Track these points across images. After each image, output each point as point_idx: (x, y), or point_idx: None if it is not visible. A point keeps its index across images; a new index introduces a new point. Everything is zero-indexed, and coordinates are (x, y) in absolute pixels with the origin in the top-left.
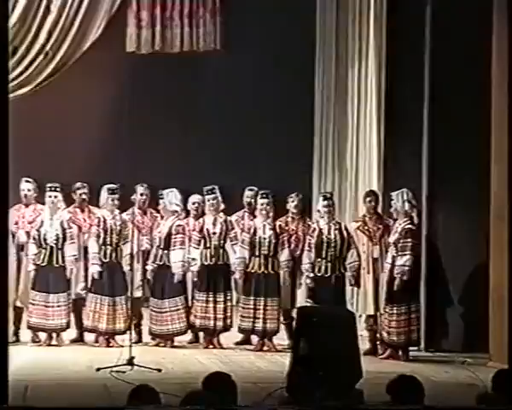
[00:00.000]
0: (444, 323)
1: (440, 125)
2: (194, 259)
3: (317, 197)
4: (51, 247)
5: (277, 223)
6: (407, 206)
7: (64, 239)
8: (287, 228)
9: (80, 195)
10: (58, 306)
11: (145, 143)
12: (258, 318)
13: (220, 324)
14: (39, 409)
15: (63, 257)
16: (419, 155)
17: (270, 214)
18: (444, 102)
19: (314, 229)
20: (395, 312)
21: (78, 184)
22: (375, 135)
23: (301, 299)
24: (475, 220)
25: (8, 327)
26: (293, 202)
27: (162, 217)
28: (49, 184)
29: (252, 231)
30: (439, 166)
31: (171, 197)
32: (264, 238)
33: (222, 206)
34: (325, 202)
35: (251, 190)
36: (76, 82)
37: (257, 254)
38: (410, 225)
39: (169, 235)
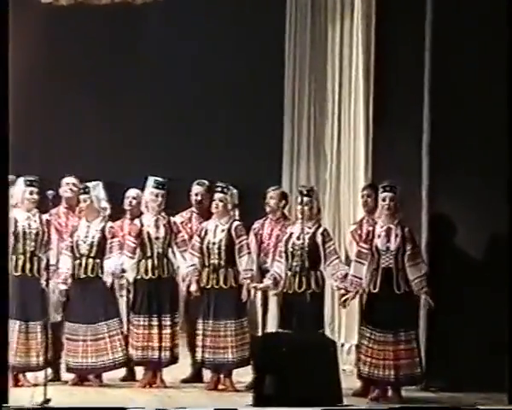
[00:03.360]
0: (448, 353)
1: (444, 100)
2: (125, 271)
3: (290, 192)
4: None
5: (253, 227)
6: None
7: None
8: (261, 233)
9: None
10: None
11: (65, 123)
12: (218, 347)
13: (167, 354)
14: (39, 409)
15: None
16: (418, 139)
17: (232, 213)
18: (449, 73)
19: (285, 233)
20: (391, 339)
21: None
22: (361, 113)
23: (272, 322)
24: (488, 220)
25: (8, 328)
26: (271, 198)
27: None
28: None
29: (202, 234)
30: (443, 153)
31: (99, 191)
32: (213, 243)
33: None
34: (303, 200)
35: (201, 184)
36: None
37: (206, 263)
38: (407, 227)
39: (104, 239)
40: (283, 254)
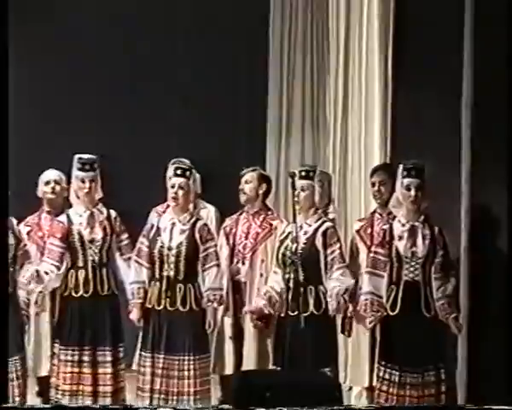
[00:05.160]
0: (491, 373)
1: (493, 50)
2: (42, 281)
3: (276, 176)
4: None
5: (224, 225)
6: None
7: None
8: (234, 232)
9: None
10: None
11: None
12: (171, 392)
13: (107, 401)
14: (40, 409)
15: None
16: (456, 105)
17: (190, 206)
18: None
19: (283, 232)
20: (416, 380)
21: None
22: (377, 67)
23: (249, 358)
24: None
25: (8, 326)
26: (246, 182)
27: None
28: None
29: (151, 234)
30: (490, 128)
31: None
32: (169, 248)
33: (99, 192)
34: (298, 184)
35: (178, 164)
36: None
37: (157, 276)
38: (436, 226)
39: (18, 241)
40: (279, 263)
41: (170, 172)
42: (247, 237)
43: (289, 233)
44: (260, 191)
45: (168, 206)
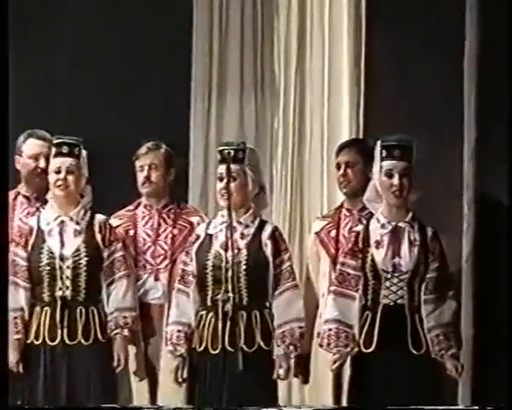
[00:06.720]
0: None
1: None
2: None
3: (204, 156)
4: None
5: (111, 222)
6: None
7: None
8: (131, 233)
9: None
10: None
11: None
12: None
13: None
14: (41, 409)
15: None
16: (456, 53)
17: (85, 200)
18: None
19: (197, 237)
20: None
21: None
22: (344, 9)
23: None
24: None
25: (8, 325)
26: (150, 166)
27: None
28: None
29: (32, 240)
30: (497, 94)
31: None
32: (63, 258)
33: None
34: (225, 170)
35: (37, 136)
36: None
37: (46, 298)
38: (430, 227)
39: None
40: (192, 279)
41: (32, 149)
42: (155, 242)
43: (211, 237)
44: (170, 178)
45: (17, 194)
